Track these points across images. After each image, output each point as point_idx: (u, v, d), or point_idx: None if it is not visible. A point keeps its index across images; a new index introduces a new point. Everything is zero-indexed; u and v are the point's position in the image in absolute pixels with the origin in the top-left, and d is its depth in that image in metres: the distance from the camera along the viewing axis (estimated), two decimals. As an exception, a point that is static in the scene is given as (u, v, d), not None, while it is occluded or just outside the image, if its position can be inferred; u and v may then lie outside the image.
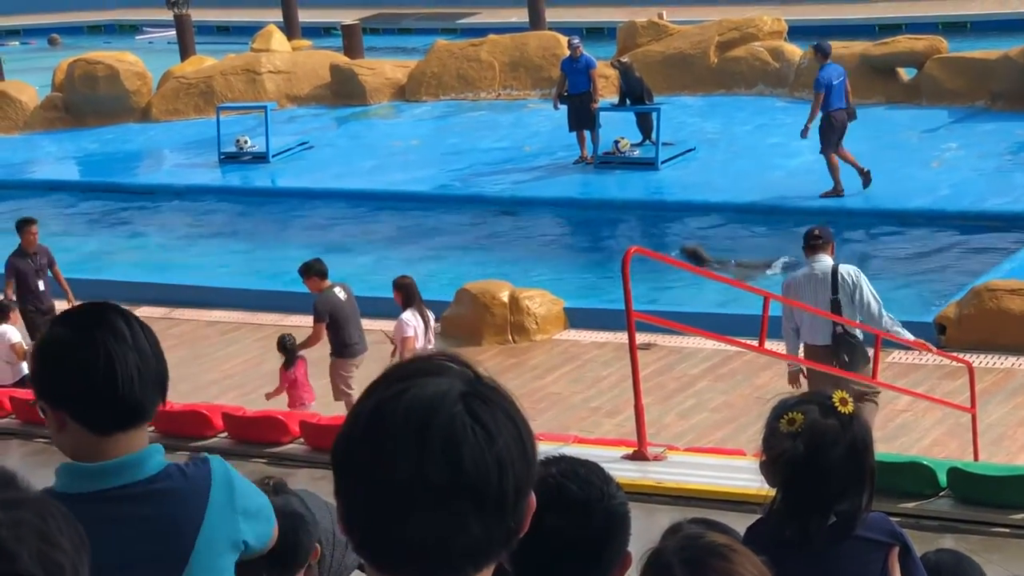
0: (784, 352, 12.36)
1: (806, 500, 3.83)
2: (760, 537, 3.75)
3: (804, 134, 21.14)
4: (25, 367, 16.12)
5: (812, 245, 12.05)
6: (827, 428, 3.81)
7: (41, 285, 17.56)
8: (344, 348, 14.61)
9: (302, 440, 12.42)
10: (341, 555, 5.51)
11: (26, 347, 16.14)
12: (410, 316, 14.13)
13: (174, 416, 12.61)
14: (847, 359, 11.85)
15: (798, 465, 3.80)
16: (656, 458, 10.99)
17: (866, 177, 21.19)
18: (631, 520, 3.15)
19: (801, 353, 12.11)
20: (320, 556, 4.73)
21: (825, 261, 11.98)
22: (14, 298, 16.93)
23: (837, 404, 3.84)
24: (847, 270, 11.99)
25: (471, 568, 1.96)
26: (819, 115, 20.96)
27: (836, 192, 21.17)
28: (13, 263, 17.55)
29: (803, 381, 12.04)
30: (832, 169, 21.04)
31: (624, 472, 10.18)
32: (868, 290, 11.91)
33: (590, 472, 3.10)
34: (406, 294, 14.29)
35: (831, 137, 20.95)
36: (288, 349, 14.65)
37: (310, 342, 14.65)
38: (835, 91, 20.89)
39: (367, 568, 2.00)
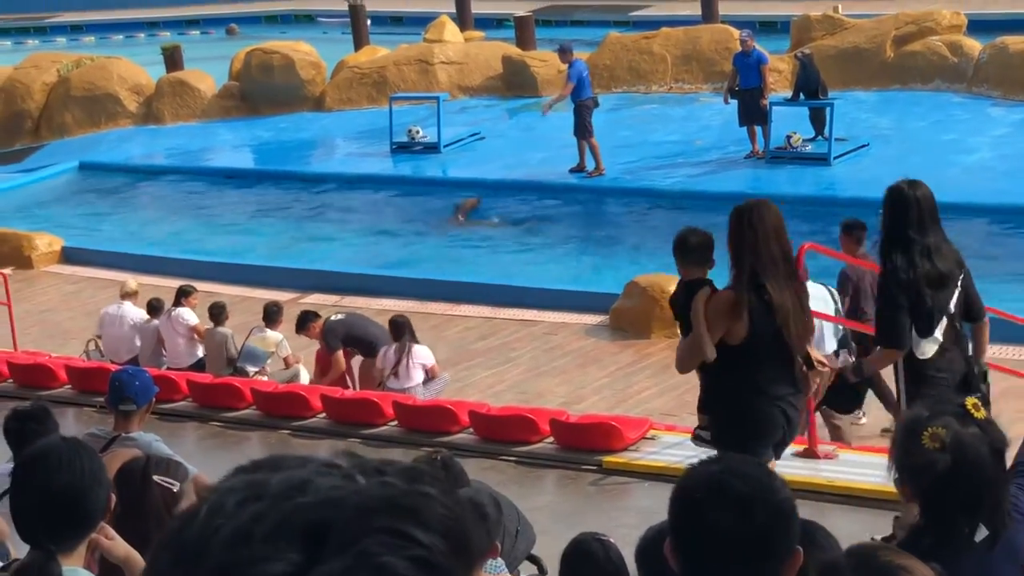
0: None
1: (955, 513, 3.75)
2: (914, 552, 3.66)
3: (545, 111, 24.99)
4: (201, 350, 16.54)
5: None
6: (973, 438, 3.73)
7: None
8: (371, 348, 15.07)
9: (471, 430, 12.49)
10: (511, 546, 5.55)
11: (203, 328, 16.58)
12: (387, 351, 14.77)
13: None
14: None
15: (946, 479, 3.71)
16: (827, 456, 10.89)
17: (579, 169, 24.34)
18: (798, 517, 3.11)
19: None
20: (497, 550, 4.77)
21: None
22: None
23: (971, 410, 3.76)
24: None
25: None
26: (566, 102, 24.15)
27: (598, 171, 24.00)
28: None
29: None
30: (592, 150, 24.02)
31: (794, 470, 10.11)
32: None
33: (753, 468, 3.07)
34: (396, 331, 14.79)
35: (585, 123, 23.87)
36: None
37: (334, 373, 15.26)
38: (585, 83, 23.92)
39: None
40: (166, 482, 4.57)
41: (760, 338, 8.09)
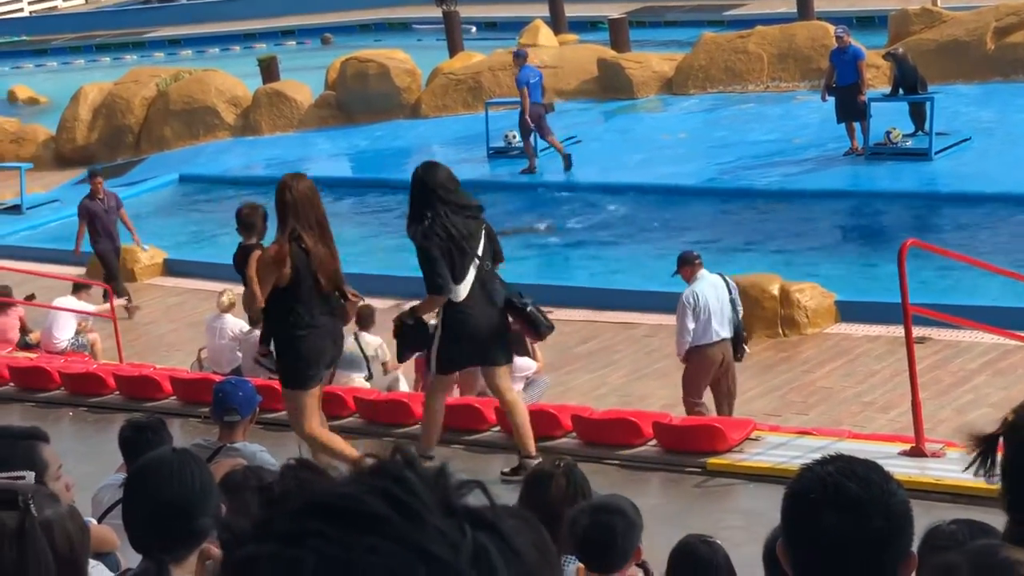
0: None
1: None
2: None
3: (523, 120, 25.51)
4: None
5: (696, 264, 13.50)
6: None
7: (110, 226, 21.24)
8: None
9: (575, 434, 12.43)
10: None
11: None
12: None
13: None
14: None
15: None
16: (935, 455, 10.77)
17: (532, 169, 25.99)
18: (913, 520, 3.06)
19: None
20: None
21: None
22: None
23: None
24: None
25: None
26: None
27: (531, 170, 25.82)
28: (85, 205, 21.21)
29: None
30: (527, 149, 25.86)
31: (902, 469, 9.99)
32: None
33: (869, 470, 3.02)
34: None
35: (527, 125, 25.23)
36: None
37: None
38: (532, 88, 24.90)
39: None
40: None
41: (302, 279, 10.21)
